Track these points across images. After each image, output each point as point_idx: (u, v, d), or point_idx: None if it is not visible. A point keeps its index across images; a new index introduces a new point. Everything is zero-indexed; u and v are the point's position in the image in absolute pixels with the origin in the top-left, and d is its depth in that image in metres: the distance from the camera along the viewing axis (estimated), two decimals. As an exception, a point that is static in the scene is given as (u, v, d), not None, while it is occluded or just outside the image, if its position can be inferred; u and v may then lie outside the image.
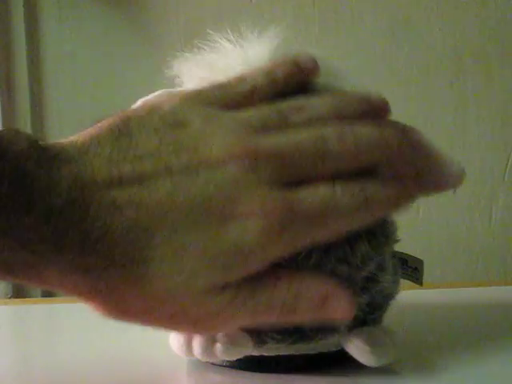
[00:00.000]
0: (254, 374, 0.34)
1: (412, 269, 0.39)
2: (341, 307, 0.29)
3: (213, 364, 0.35)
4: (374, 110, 0.32)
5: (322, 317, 0.29)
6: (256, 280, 0.28)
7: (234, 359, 0.33)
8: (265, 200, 0.26)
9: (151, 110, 0.28)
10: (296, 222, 0.27)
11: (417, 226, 0.79)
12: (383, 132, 0.30)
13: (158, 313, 0.27)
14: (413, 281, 0.39)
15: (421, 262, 0.39)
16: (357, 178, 0.29)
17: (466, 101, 0.80)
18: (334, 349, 0.34)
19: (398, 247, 0.36)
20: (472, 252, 0.81)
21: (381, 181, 0.30)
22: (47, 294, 0.79)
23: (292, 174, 0.28)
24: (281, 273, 0.29)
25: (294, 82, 0.31)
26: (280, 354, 0.33)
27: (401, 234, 0.36)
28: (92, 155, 0.25)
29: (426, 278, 0.40)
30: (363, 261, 0.33)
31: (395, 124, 0.32)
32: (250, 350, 0.33)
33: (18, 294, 0.77)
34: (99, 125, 0.27)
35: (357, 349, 0.33)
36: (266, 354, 0.34)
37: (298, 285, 0.29)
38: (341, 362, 0.34)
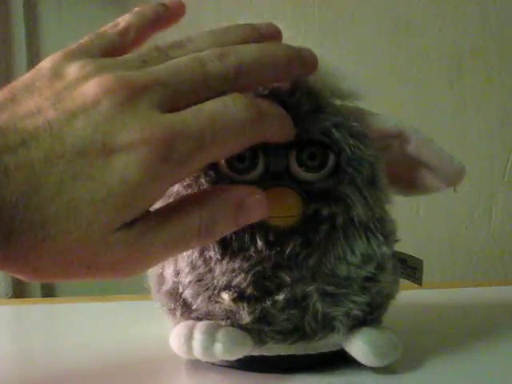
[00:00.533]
0: (254, 374, 0.34)
1: (412, 269, 0.39)
2: (255, 209, 0.30)
3: (213, 364, 0.35)
4: (263, 36, 0.31)
5: (239, 222, 0.29)
6: (165, 210, 0.28)
7: (234, 359, 0.33)
8: (143, 128, 0.26)
9: (34, 71, 0.28)
10: (181, 143, 0.26)
11: (417, 225, 0.79)
12: (267, 48, 0.30)
13: (73, 268, 0.27)
14: (412, 281, 0.39)
15: (420, 261, 0.39)
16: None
17: (466, 101, 0.80)
18: (334, 349, 0.34)
19: (397, 247, 0.36)
20: (472, 252, 0.81)
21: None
22: (47, 294, 0.79)
23: (174, 99, 0.27)
24: (190, 198, 0.29)
25: (163, 17, 0.32)
26: (280, 353, 0.33)
27: (400, 233, 0.36)
28: None
29: (425, 277, 0.40)
30: (363, 260, 0.33)
31: (285, 45, 0.31)
32: (250, 350, 0.33)
33: (18, 294, 0.77)
34: None
35: (357, 349, 0.33)
36: (266, 354, 0.33)
37: (209, 206, 0.29)
38: (341, 362, 0.34)
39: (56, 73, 0.28)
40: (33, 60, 0.77)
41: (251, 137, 0.29)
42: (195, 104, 0.28)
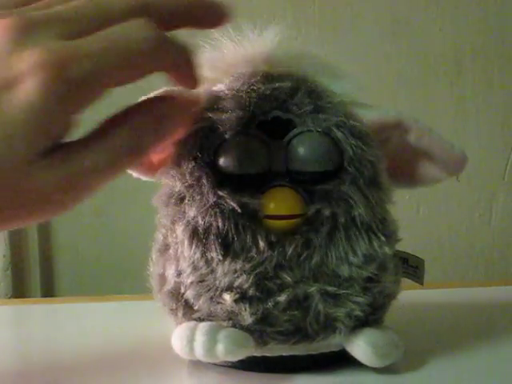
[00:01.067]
0: (255, 374, 0.34)
1: (413, 268, 0.39)
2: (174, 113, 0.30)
3: (214, 364, 0.35)
4: None
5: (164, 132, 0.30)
6: (88, 136, 0.28)
7: (236, 360, 0.33)
8: (39, 54, 0.26)
9: None
10: (77, 64, 0.26)
11: (417, 225, 0.79)
12: None
13: (6, 211, 0.27)
14: (414, 280, 0.39)
15: (422, 261, 0.39)
16: None
17: (466, 101, 0.80)
18: (336, 349, 0.34)
19: (398, 247, 0.36)
20: (472, 252, 0.81)
21: None
22: (47, 294, 0.79)
23: (75, 32, 0.27)
24: (111, 120, 0.29)
25: None
26: (282, 354, 0.33)
27: (401, 233, 0.36)
28: None
29: (425, 277, 0.40)
30: (365, 261, 0.33)
31: None
32: (252, 351, 0.33)
33: (18, 294, 0.77)
34: None
35: (358, 349, 0.33)
36: (267, 355, 0.34)
37: (130, 123, 0.29)
38: (342, 362, 0.34)
39: None
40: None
41: (151, 65, 0.28)
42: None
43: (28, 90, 0.25)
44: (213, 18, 0.31)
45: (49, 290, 0.80)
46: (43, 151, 0.26)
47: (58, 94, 0.26)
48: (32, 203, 0.27)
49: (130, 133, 0.29)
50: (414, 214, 0.79)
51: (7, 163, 0.26)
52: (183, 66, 0.30)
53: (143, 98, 0.32)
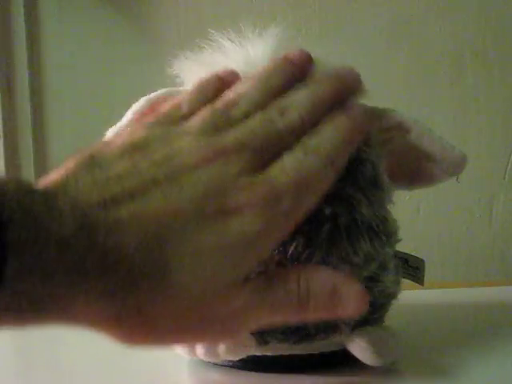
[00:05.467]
0: (256, 373, 0.34)
1: (413, 268, 0.39)
2: (352, 299, 0.29)
3: (215, 364, 0.35)
4: (299, 68, 0.33)
5: (335, 311, 0.29)
6: (269, 275, 0.29)
7: (237, 359, 0.33)
8: (248, 189, 0.27)
9: (105, 145, 0.28)
10: (283, 198, 0.28)
11: (417, 225, 0.79)
12: (317, 89, 0.32)
13: (187, 322, 0.27)
14: (414, 280, 0.39)
15: (422, 261, 0.39)
16: None
17: (467, 101, 0.80)
18: (337, 348, 0.34)
19: (398, 247, 0.36)
20: (472, 252, 0.81)
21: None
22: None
23: (259, 160, 0.29)
24: (290, 268, 0.30)
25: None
26: (283, 353, 0.33)
27: (401, 233, 0.36)
28: (75, 185, 0.25)
29: (425, 277, 0.40)
30: (365, 260, 0.33)
31: (328, 78, 0.33)
32: (253, 350, 0.33)
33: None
34: (63, 167, 0.27)
35: (359, 348, 0.33)
36: (268, 354, 0.34)
37: (307, 276, 0.29)
38: (343, 361, 0.34)
39: (135, 144, 0.28)
40: (33, 60, 0.77)
41: (328, 181, 0.30)
42: (269, 159, 0.29)
43: (243, 219, 0.27)
44: (352, 89, 0.34)
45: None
46: (247, 276, 0.27)
47: (270, 225, 0.27)
48: (209, 323, 0.27)
49: (305, 287, 0.29)
50: (414, 214, 0.79)
51: (214, 279, 0.26)
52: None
53: None
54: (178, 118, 0.30)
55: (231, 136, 0.29)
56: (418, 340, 0.39)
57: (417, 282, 0.39)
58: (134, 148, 0.28)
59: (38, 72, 0.78)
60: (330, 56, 0.36)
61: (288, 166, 0.29)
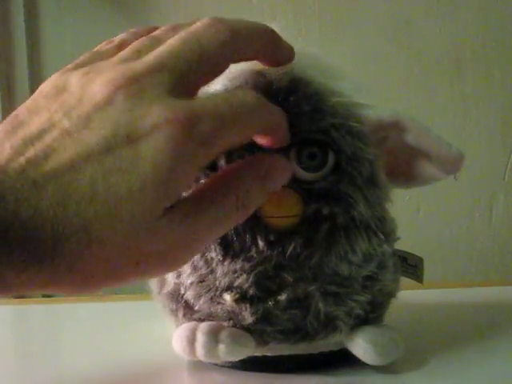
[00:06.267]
0: (256, 374, 0.34)
1: (412, 267, 0.39)
2: (279, 173, 0.31)
3: (215, 364, 0.35)
4: None
5: (270, 190, 0.30)
6: (199, 194, 0.29)
7: (237, 360, 0.33)
8: (164, 111, 0.26)
9: (35, 95, 0.29)
10: (203, 122, 0.27)
11: (417, 225, 0.79)
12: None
13: (123, 268, 0.26)
14: (414, 278, 0.39)
15: (421, 259, 0.39)
16: None
17: (466, 101, 0.80)
18: (336, 348, 0.34)
19: (397, 247, 0.36)
20: (472, 252, 0.81)
21: None
22: (47, 294, 0.79)
23: (182, 82, 0.28)
24: (221, 178, 0.30)
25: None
26: (282, 354, 0.33)
27: (401, 233, 0.36)
28: None
29: (425, 277, 0.40)
30: (364, 259, 0.33)
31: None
32: (253, 351, 0.33)
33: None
34: None
35: (359, 348, 0.33)
36: (268, 354, 0.34)
37: (241, 181, 0.29)
38: (343, 361, 0.34)
39: (57, 88, 0.28)
40: (33, 60, 0.77)
41: (260, 123, 0.30)
42: (203, 85, 0.29)
43: (154, 145, 0.26)
44: (279, 57, 0.33)
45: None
46: (167, 207, 0.27)
47: (185, 152, 0.26)
48: (149, 261, 0.27)
49: (243, 192, 0.29)
50: (414, 214, 0.79)
51: (135, 219, 0.25)
52: (278, 126, 0.32)
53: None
54: (106, 54, 0.31)
55: (150, 57, 0.28)
56: (418, 340, 0.39)
57: (416, 280, 0.39)
58: (55, 94, 0.28)
59: (38, 72, 0.78)
60: (330, 55, 0.36)
61: (218, 95, 0.28)
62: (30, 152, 0.26)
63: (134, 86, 0.27)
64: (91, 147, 0.26)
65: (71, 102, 0.27)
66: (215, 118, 0.27)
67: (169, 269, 0.29)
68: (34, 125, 0.27)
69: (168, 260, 0.28)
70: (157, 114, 0.26)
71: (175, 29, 0.31)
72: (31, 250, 0.24)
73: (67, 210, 0.25)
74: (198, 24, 0.31)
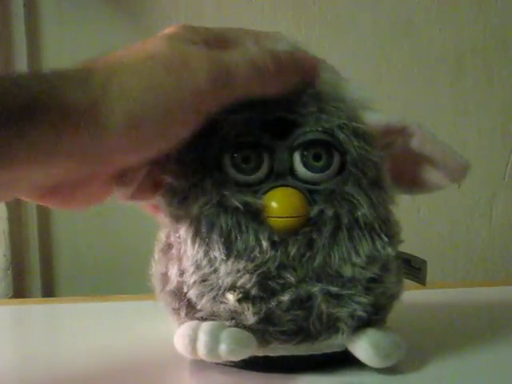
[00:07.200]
0: (257, 374, 0.34)
1: (415, 269, 0.39)
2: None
3: (217, 364, 0.35)
4: None
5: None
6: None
7: (238, 360, 0.33)
8: (198, 50, 0.32)
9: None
10: (227, 71, 0.31)
11: (417, 225, 0.79)
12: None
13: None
14: (416, 281, 0.39)
15: (424, 262, 0.39)
16: None
17: (466, 101, 0.80)
18: (338, 349, 0.34)
19: (399, 248, 0.36)
20: (472, 252, 0.81)
21: None
22: (47, 294, 0.79)
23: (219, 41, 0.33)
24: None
25: None
26: (284, 354, 0.33)
27: (401, 233, 0.36)
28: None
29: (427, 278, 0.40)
30: (368, 261, 0.33)
31: None
32: (255, 351, 0.33)
33: (18, 294, 0.77)
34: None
35: (361, 349, 0.33)
36: (270, 355, 0.34)
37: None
38: (345, 362, 0.34)
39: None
40: (33, 60, 0.77)
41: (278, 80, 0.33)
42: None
43: (195, 75, 0.31)
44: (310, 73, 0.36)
45: (49, 290, 0.80)
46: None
47: (213, 83, 0.31)
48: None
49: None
50: (414, 215, 0.79)
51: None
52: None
53: None
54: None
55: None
56: (418, 340, 0.39)
57: (419, 283, 0.39)
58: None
59: (38, 72, 0.78)
60: (330, 56, 0.36)
61: (241, 51, 0.33)
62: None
63: (182, 32, 0.33)
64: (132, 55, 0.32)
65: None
66: (238, 67, 0.32)
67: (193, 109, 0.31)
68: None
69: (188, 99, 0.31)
70: (201, 56, 0.31)
71: None
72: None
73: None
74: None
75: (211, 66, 0.31)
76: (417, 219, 0.79)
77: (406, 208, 0.74)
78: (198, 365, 0.35)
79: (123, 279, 0.73)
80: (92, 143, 0.28)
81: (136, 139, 0.30)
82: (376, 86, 0.76)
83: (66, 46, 0.78)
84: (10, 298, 0.76)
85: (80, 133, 0.28)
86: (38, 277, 0.79)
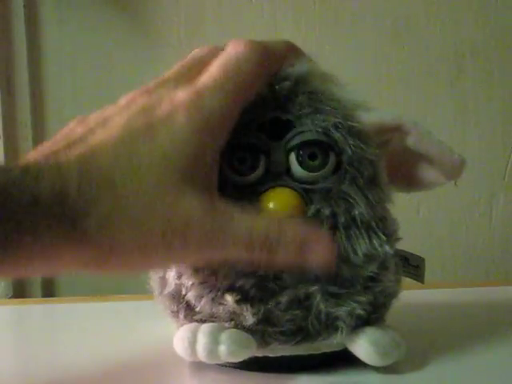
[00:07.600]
0: (257, 374, 0.34)
1: (414, 267, 0.39)
2: (321, 250, 0.30)
3: (216, 364, 0.35)
4: None
5: (302, 260, 0.30)
6: (238, 206, 0.30)
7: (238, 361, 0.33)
8: (173, 97, 0.30)
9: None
10: (204, 95, 0.30)
11: (417, 225, 0.79)
12: None
13: (148, 237, 0.27)
14: (415, 279, 0.39)
15: (422, 259, 0.39)
16: None
17: (466, 101, 0.80)
18: (338, 349, 0.34)
19: (398, 247, 0.36)
20: (472, 252, 0.81)
21: None
22: (47, 294, 0.79)
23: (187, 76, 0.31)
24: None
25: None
26: (284, 354, 0.33)
27: (401, 233, 0.36)
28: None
29: (425, 277, 0.40)
30: (365, 260, 0.33)
31: None
32: (254, 351, 0.33)
33: (18, 294, 0.77)
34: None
35: (360, 348, 0.33)
36: (269, 355, 0.33)
37: (279, 222, 0.30)
38: (344, 361, 0.34)
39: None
40: (33, 60, 0.77)
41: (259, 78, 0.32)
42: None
43: (176, 123, 0.29)
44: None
45: (49, 290, 0.80)
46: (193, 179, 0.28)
47: (200, 124, 0.29)
48: (172, 233, 0.27)
49: (275, 233, 0.30)
50: (414, 215, 0.79)
51: (164, 184, 0.27)
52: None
53: None
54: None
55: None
56: (417, 340, 0.39)
57: (417, 281, 0.39)
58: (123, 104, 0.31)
59: (38, 72, 0.78)
60: (330, 56, 0.36)
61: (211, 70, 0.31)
62: (63, 143, 0.28)
63: (157, 90, 0.31)
64: (113, 133, 0.28)
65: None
66: (214, 91, 0.30)
67: (194, 252, 0.29)
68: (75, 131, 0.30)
69: (190, 241, 0.28)
70: (168, 102, 0.29)
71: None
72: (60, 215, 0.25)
73: (89, 175, 0.26)
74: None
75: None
76: (416, 219, 0.79)
77: (405, 208, 0.74)
78: (198, 366, 0.35)
79: (123, 279, 0.73)
80: None
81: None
82: (376, 86, 0.76)
83: (65, 46, 0.78)
84: (10, 297, 0.76)
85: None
86: (38, 277, 0.78)
